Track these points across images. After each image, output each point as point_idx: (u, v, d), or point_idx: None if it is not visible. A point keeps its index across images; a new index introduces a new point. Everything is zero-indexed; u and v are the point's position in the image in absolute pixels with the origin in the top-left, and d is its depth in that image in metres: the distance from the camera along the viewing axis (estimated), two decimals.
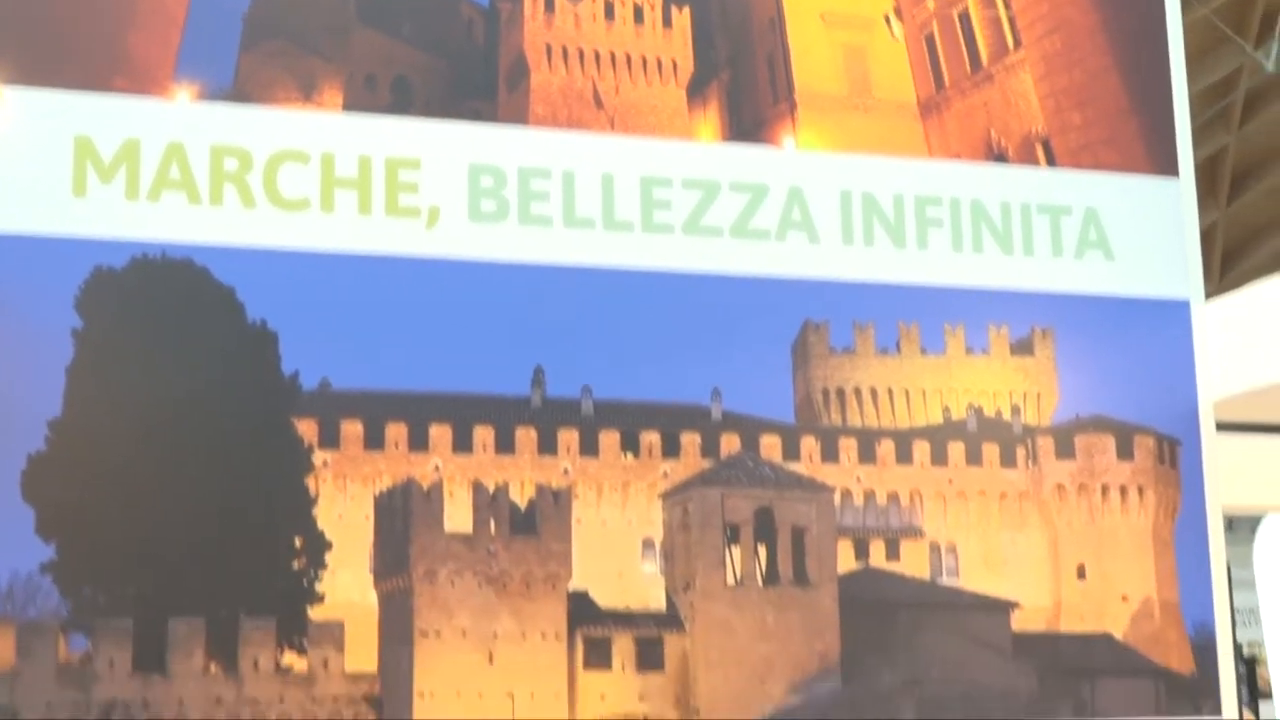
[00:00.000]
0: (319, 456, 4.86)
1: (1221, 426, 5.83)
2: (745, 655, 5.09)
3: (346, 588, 4.82)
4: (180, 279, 4.81)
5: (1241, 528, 13.91)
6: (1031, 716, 5.28)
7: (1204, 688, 5.47)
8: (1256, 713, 13.60)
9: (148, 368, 4.74)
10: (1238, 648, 17.54)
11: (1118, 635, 5.42)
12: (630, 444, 5.14)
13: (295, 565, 4.80)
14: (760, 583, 5.16)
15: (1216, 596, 5.49)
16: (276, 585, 4.78)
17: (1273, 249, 22.81)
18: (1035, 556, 5.41)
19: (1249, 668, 16.06)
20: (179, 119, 4.89)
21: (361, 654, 4.79)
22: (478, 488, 4.98)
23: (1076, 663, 5.35)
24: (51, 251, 4.71)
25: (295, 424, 4.84)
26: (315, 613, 4.77)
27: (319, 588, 4.78)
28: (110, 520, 4.64)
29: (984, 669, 5.27)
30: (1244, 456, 9.03)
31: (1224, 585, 5.49)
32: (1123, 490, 5.52)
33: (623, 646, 5.02)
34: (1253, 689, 15.23)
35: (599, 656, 4.99)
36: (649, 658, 5.03)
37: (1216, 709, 5.46)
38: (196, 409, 4.74)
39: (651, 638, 5.05)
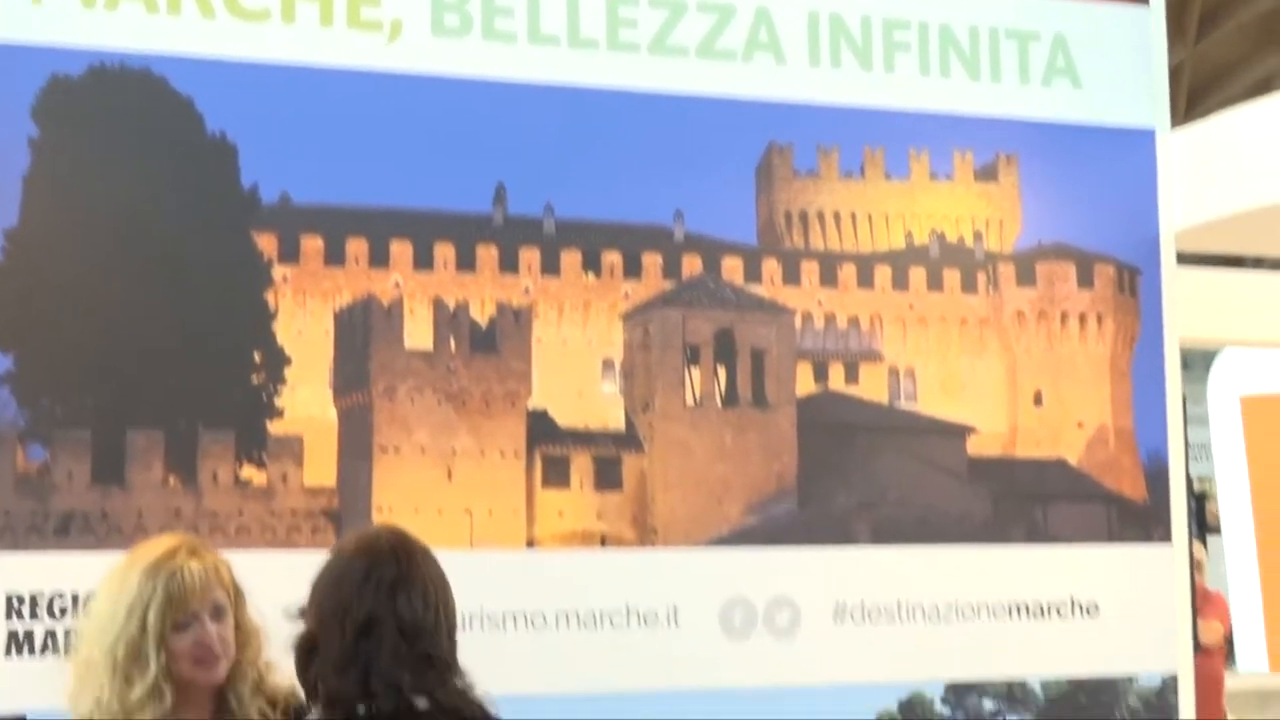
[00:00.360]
0: (278, 271, 4.83)
1: (1182, 258, 5.85)
2: (703, 476, 5.12)
3: (306, 403, 4.81)
4: (138, 89, 4.74)
5: (1196, 365, 14.02)
6: (985, 540, 5.34)
7: (1156, 515, 5.53)
8: (1205, 547, 13.77)
9: (106, 178, 4.68)
10: (1189, 481, 17.69)
11: (1072, 461, 5.47)
12: (592, 264, 5.12)
13: (254, 380, 4.78)
14: (719, 404, 5.18)
15: (1171, 424, 5.54)
16: (235, 399, 4.77)
17: (1240, 86, 22.74)
18: (993, 382, 5.44)
19: (1199, 503, 16.27)
20: None
21: (320, 469, 4.80)
22: (438, 305, 4.96)
23: (1030, 488, 5.40)
24: (7, 58, 4.63)
25: (254, 237, 4.81)
26: (274, 427, 4.77)
27: (278, 402, 4.78)
28: (68, 332, 4.61)
29: (939, 492, 5.32)
30: (1203, 290, 9.08)
31: (1179, 413, 5.54)
32: (1082, 318, 5.54)
33: (581, 465, 5.04)
34: (1201, 524, 15.44)
35: (557, 475, 5.01)
36: (607, 477, 5.05)
37: (1167, 536, 5.54)
38: (155, 220, 4.70)
39: (610, 457, 5.07)
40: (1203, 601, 10.90)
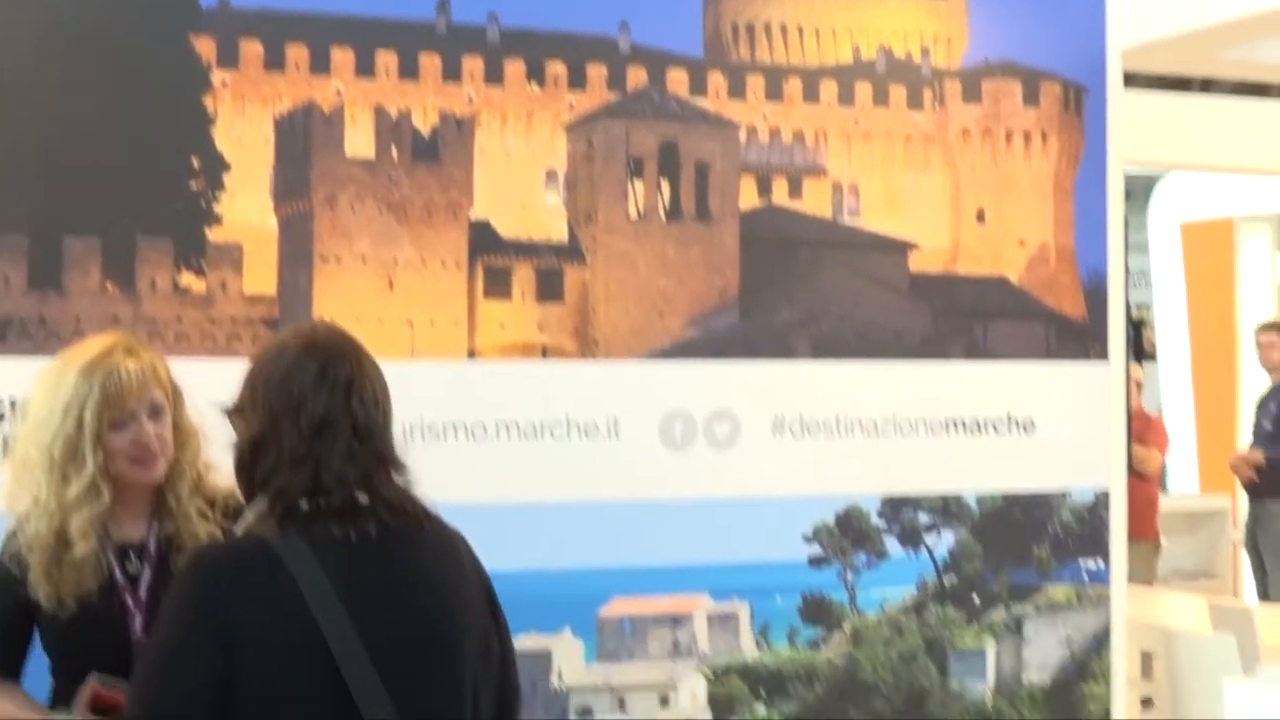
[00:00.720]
0: (217, 76, 4.76)
1: (1130, 79, 5.83)
2: (645, 289, 5.11)
3: (245, 210, 4.77)
4: None
5: (1138, 194, 14.05)
6: (924, 356, 5.37)
7: (1094, 333, 5.57)
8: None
9: None
10: (1127, 307, 17.86)
11: (1013, 279, 5.49)
12: (535, 74, 5.07)
13: (193, 186, 4.73)
14: (663, 217, 5.16)
15: (1111, 243, 5.56)
16: (174, 206, 4.72)
17: None
18: (936, 199, 5.44)
19: (1136, 330, 16.41)
20: None
21: (260, 277, 4.77)
22: (380, 113, 4.90)
23: (971, 304, 5.43)
24: None
25: (193, 41, 4.73)
26: (213, 234, 4.73)
27: (217, 209, 4.73)
28: (3, 138, 4.53)
29: (880, 308, 5.34)
30: (1149, 112, 9.06)
31: (1120, 232, 5.55)
32: (1026, 136, 5.53)
33: (523, 277, 5.02)
34: (1138, 351, 15.59)
35: (499, 286, 5.00)
36: (549, 289, 5.04)
37: (1104, 354, 5.58)
38: (92, 24, 4.61)
39: (552, 269, 5.05)
40: (1144, 427, 11.04)
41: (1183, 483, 13.19)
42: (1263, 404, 12.12)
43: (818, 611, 5.27)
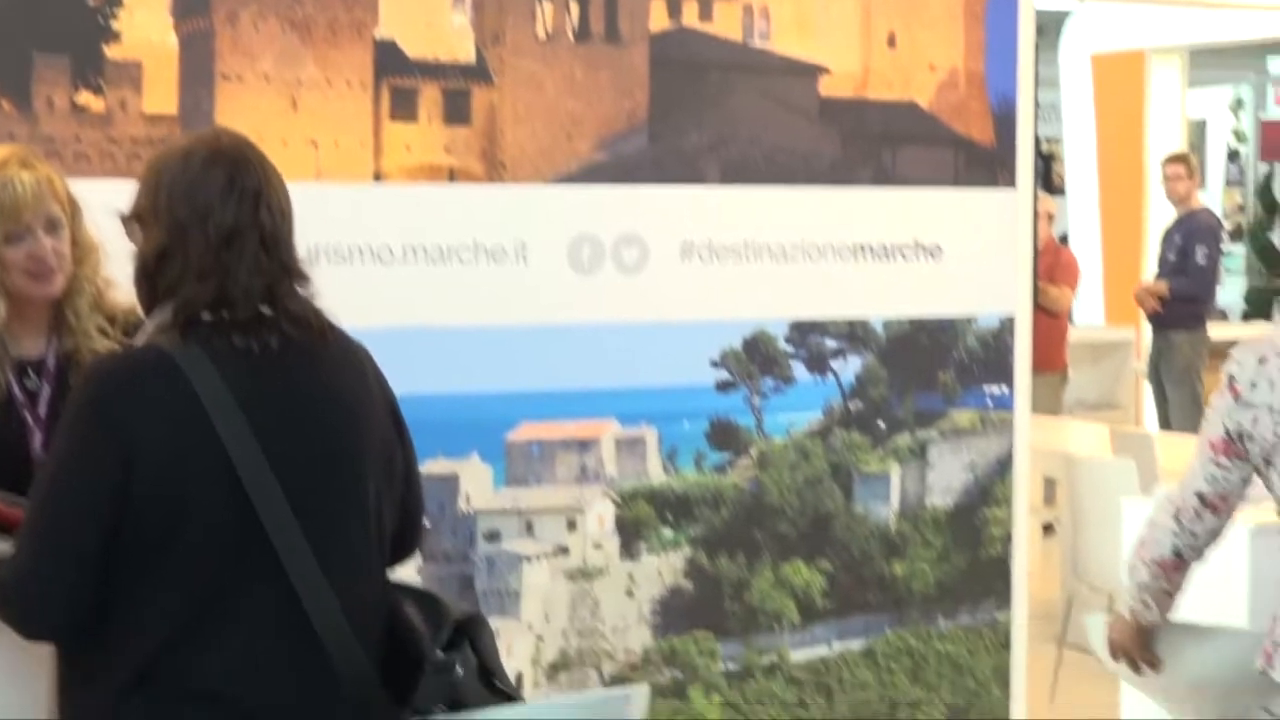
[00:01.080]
0: None
1: None
2: (553, 111, 5.06)
3: (144, 26, 4.65)
4: None
5: (1049, 29, 14.03)
6: (833, 181, 5.36)
7: (1002, 160, 5.57)
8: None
9: None
10: (1037, 141, 17.90)
11: (922, 104, 5.47)
12: None
13: (90, 1, 4.61)
14: (571, 38, 5.09)
15: (1021, 68, 5.54)
16: (70, 22, 4.60)
17: None
18: (846, 23, 5.39)
19: (1046, 163, 16.48)
20: None
21: (160, 96, 4.67)
22: None
23: (880, 129, 5.41)
24: None
25: None
26: (111, 52, 4.62)
27: (115, 25, 4.62)
28: None
29: (789, 133, 5.31)
30: None
31: (1030, 58, 5.53)
32: None
33: (430, 98, 4.95)
34: (1049, 184, 15.68)
35: (405, 107, 4.93)
36: (456, 110, 4.98)
37: (1012, 180, 5.58)
38: None
39: (459, 90, 4.98)
40: (1055, 261, 11.13)
41: (1089, 314, 13.34)
42: (1168, 236, 12.24)
43: (724, 436, 5.30)
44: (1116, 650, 4.18)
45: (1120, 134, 13.90)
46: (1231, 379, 3.82)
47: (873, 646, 5.45)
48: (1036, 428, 8.92)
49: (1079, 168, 14.46)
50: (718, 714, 5.24)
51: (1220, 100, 19.57)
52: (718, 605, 5.25)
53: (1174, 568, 3.95)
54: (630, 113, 5.13)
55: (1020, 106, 5.54)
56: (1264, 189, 19.12)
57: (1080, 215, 14.42)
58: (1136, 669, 4.16)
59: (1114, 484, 6.42)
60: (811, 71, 5.34)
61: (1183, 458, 7.06)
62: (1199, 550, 3.94)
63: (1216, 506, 3.88)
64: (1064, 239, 12.85)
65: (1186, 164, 12.00)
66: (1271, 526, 4.72)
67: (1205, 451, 3.87)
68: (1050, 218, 11.68)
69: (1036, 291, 9.88)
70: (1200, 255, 11.71)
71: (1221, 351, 14.10)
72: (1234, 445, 3.81)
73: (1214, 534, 3.92)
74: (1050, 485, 8.95)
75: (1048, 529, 9.51)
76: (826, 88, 5.36)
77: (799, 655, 5.35)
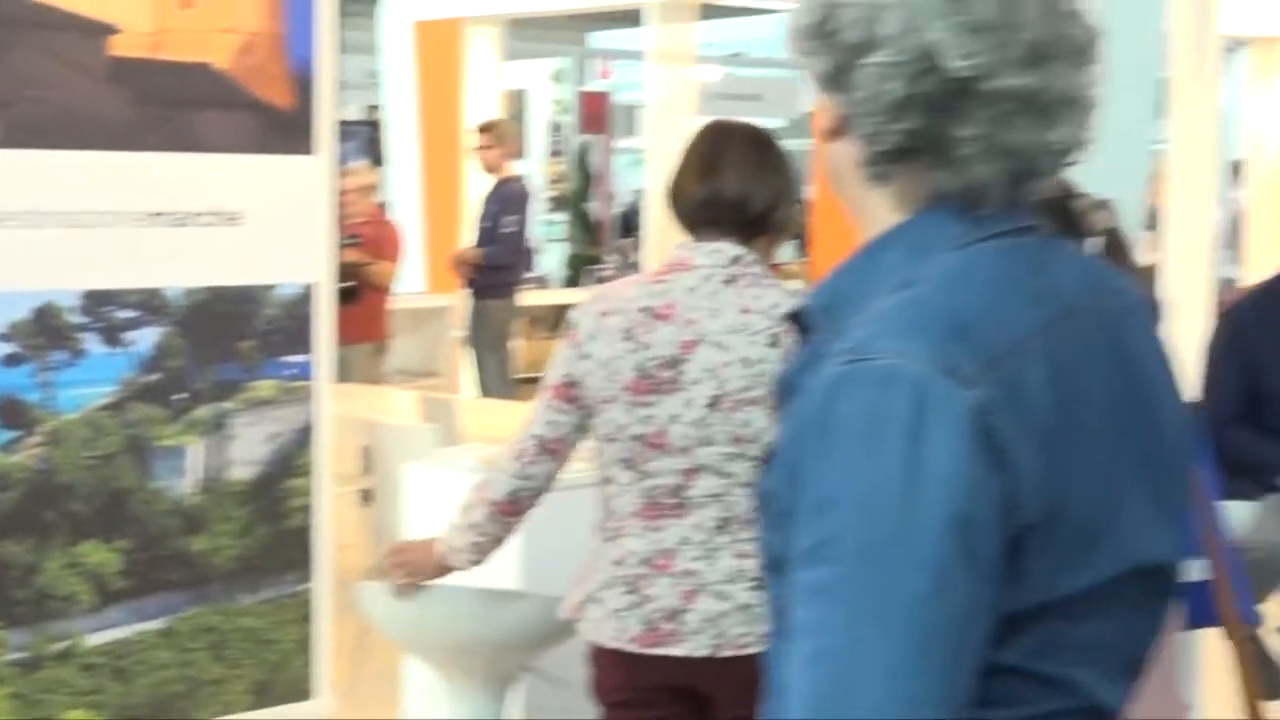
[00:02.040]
0: None
1: None
2: None
3: None
4: None
5: None
6: (126, 146, 5.14)
7: (303, 125, 5.47)
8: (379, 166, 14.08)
9: None
10: (372, 112, 17.99)
11: (220, 66, 5.31)
12: None
13: None
14: None
15: (321, 31, 5.46)
16: None
17: None
18: None
19: (373, 131, 16.59)
20: None
21: None
22: None
23: (175, 93, 5.22)
24: None
25: None
26: None
27: None
28: None
29: (78, 94, 5.06)
30: None
31: (332, 19, 5.46)
32: None
33: None
34: (375, 154, 15.75)
35: None
36: None
37: (311, 148, 5.49)
38: None
39: None
40: (379, 233, 11.17)
41: (411, 283, 13.48)
42: (483, 205, 12.52)
43: (12, 413, 5.01)
44: (396, 567, 4.25)
45: (440, 103, 14.09)
46: (575, 327, 3.89)
47: (173, 626, 5.28)
48: (355, 396, 8.95)
49: (401, 137, 14.58)
50: (4, 707, 4.95)
51: (542, 71, 20.19)
52: (4, 592, 4.97)
53: (509, 511, 4.00)
54: None
55: (321, 72, 5.47)
56: (580, 159, 19.87)
57: (403, 184, 14.55)
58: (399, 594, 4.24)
59: (418, 450, 6.47)
60: (99, 30, 5.09)
61: (489, 423, 7.23)
62: (535, 494, 4.01)
63: (554, 451, 3.95)
64: (386, 208, 12.92)
65: (495, 133, 12.28)
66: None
67: (546, 396, 3.94)
68: (373, 189, 11.74)
69: (350, 265, 9.89)
70: (509, 223, 12.04)
71: (539, 317, 14.62)
72: (570, 391, 3.88)
73: (549, 478, 3.99)
74: (369, 452, 8.99)
75: (367, 495, 9.55)
76: (116, 47, 5.12)
77: (94, 640, 5.13)
